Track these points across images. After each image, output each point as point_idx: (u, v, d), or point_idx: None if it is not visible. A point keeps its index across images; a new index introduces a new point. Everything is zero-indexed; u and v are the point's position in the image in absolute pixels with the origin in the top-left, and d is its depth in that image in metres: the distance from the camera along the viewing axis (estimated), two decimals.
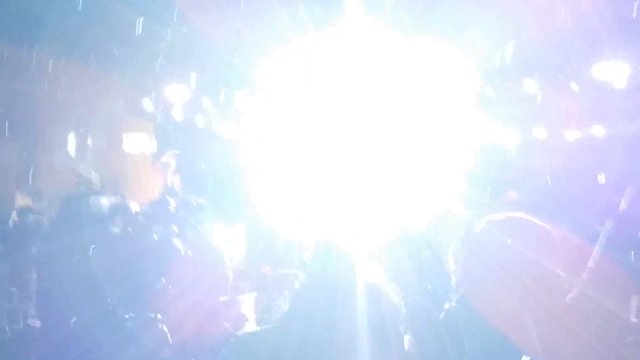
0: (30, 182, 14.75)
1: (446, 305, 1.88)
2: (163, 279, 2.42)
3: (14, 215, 13.17)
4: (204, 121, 14.47)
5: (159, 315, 2.70)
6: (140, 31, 12.30)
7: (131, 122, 13.25)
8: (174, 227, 2.45)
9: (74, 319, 2.74)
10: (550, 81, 11.90)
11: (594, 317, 1.79)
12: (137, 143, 13.48)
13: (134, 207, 2.35)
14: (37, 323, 2.76)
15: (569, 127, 13.03)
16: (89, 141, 12.73)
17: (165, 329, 2.72)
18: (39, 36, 13.27)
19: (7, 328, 2.56)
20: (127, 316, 2.55)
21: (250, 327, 3.17)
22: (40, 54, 13.28)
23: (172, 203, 2.47)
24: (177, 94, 12.47)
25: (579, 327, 1.71)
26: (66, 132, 12.82)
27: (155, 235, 2.35)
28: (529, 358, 1.58)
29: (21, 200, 12.78)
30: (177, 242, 2.39)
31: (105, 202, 2.62)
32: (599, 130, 13.01)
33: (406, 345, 1.56)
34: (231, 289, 3.27)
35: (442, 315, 1.88)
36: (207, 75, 12.16)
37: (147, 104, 12.94)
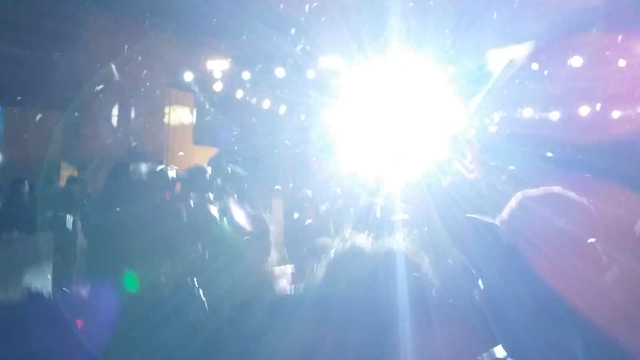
0: (75, 152, 15.11)
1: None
2: (199, 245, 2.47)
3: (60, 184, 13.56)
4: (243, 94, 14.58)
5: (195, 282, 2.76)
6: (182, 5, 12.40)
7: (173, 94, 13.40)
8: (210, 195, 2.49)
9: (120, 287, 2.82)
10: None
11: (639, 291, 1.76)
12: (178, 114, 13.66)
13: (171, 173, 2.40)
14: (84, 290, 2.82)
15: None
16: (132, 112, 12.94)
17: (202, 296, 2.77)
18: (86, 9, 13.50)
19: (53, 294, 2.64)
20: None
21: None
22: (86, 26, 13.51)
23: (208, 171, 2.51)
24: (217, 66, 12.55)
25: (624, 303, 1.67)
26: (110, 103, 13.04)
27: (191, 202, 2.39)
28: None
29: (66, 170, 13.13)
30: (212, 208, 2.43)
31: (145, 169, 2.68)
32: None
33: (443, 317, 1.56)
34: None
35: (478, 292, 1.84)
36: (247, 49, 12.19)
37: (188, 76, 13.06)
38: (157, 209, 2.37)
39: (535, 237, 1.60)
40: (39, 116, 16.38)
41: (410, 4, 9.37)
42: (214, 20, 11.86)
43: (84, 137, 13.36)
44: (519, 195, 1.90)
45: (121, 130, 12.95)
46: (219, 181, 2.51)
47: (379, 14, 9.55)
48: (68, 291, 2.85)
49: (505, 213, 1.92)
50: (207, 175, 2.46)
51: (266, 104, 15.87)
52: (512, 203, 1.90)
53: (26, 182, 8.41)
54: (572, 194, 1.88)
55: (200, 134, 16.40)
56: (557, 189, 1.91)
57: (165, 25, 12.40)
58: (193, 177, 2.42)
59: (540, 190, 1.89)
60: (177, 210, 2.36)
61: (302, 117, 18.16)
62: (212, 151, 17.20)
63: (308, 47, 11.62)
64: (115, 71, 12.73)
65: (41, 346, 2.39)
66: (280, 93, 16.20)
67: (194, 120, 15.03)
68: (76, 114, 14.56)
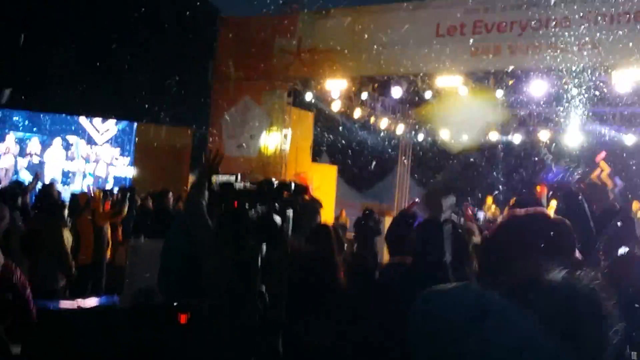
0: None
1: None
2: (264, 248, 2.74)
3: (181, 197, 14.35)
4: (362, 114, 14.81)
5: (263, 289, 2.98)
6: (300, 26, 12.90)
7: (294, 112, 13.86)
8: (276, 204, 2.74)
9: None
10: None
11: None
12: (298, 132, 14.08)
13: (238, 185, 2.67)
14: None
15: None
16: (254, 128, 13.53)
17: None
18: (213, 32, 14.36)
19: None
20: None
21: None
22: (213, 49, 14.40)
23: (275, 183, 2.74)
24: (337, 87, 12.84)
25: None
26: (232, 122, 13.73)
27: (258, 210, 2.66)
28: None
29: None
30: (276, 217, 2.68)
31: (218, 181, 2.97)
32: None
33: None
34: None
35: None
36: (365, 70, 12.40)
37: (309, 96, 13.47)
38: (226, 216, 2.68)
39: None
40: (169, 130, 17.60)
41: None
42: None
43: (210, 152, 14.14)
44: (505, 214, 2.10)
45: (244, 146, 13.58)
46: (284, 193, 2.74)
47: None
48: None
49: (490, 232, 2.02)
50: (274, 188, 2.68)
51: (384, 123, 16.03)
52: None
53: (170, 194, 9.07)
54: (554, 215, 2.03)
55: (319, 151, 16.83)
56: (540, 209, 2.05)
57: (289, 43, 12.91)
58: (260, 189, 2.67)
59: (526, 210, 2.00)
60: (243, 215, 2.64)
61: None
62: (329, 168, 17.62)
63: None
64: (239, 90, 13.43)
65: None
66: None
67: (312, 138, 15.47)
68: (203, 129, 15.50)
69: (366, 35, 12.03)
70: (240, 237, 2.73)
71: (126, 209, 9.62)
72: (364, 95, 13.41)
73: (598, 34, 10.12)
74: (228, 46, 14.04)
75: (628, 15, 10.02)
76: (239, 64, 13.73)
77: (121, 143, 17.91)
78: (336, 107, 13.96)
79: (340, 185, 20.83)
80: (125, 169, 17.84)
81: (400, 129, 17.09)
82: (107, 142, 17.71)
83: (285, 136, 13.57)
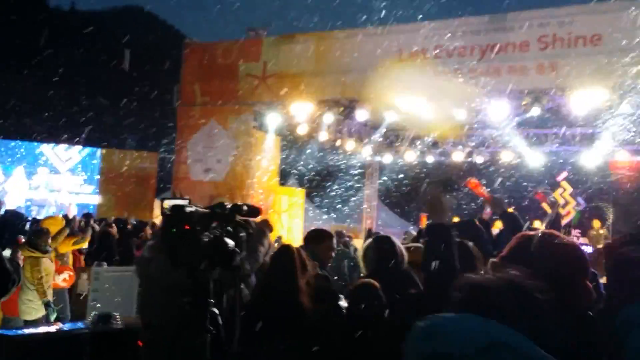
0: (169, 191, 15.87)
1: None
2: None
3: (151, 222, 14.21)
4: (328, 137, 14.88)
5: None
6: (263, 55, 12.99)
7: (259, 135, 13.87)
8: (229, 227, 2.75)
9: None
10: None
11: None
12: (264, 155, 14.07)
13: (191, 209, 2.67)
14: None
15: None
16: (220, 153, 13.47)
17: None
18: (177, 61, 14.33)
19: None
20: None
21: None
22: (178, 77, 14.37)
23: (228, 205, 2.74)
24: (302, 110, 12.90)
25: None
26: (198, 146, 13.67)
27: (211, 234, 2.68)
28: None
29: (158, 209, 13.83)
30: (228, 240, 2.70)
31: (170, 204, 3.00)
32: None
33: None
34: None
35: None
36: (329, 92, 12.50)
37: (275, 119, 13.50)
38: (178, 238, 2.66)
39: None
40: (134, 155, 17.44)
41: None
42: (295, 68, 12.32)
43: (176, 177, 14.03)
44: (519, 235, 2.11)
45: (210, 170, 13.51)
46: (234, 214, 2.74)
47: None
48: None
49: (505, 250, 2.07)
50: (227, 211, 2.68)
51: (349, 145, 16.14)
52: (512, 242, 2.08)
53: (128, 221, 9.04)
54: (563, 236, 2.07)
55: (287, 174, 16.84)
56: (551, 231, 2.09)
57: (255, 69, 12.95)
58: (213, 212, 2.67)
59: (537, 231, 2.08)
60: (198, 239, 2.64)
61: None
62: (296, 191, 17.62)
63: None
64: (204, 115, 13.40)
65: None
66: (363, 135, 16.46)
67: (279, 161, 15.48)
68: (170, 155, 15.41)
69: (330, 60, 12.16)
70: (191, 260, 2.71)
71: (89, 235, 9.50)
72: (330, 118, 13.48)
73: (556, 57, 10.42)
74: (193, 70, 14.04)
75: (584, 39, 10.33)
76: (204, 88, 13.73)
77: (85, 170, 17.67)
78: (302, 130, 14.01)
79: (309, 208, 20.84)
80: (88, 197, 17.59)
81: (366, 151, 17.23)
82: (69, 170, 17.46)
83: (252, 160, 13.55)
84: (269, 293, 3.73)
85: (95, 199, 17.36)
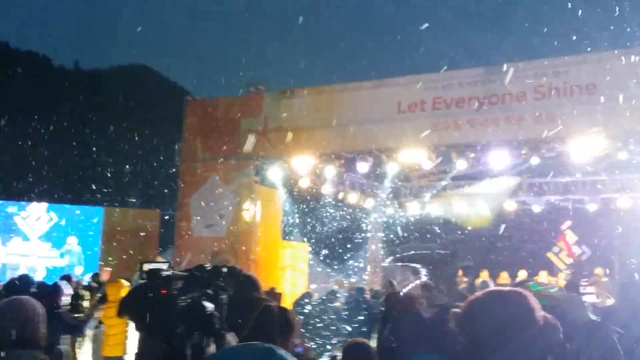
0: (171, 248, 15.77)
1: None
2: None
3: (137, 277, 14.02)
4: (330, 190, 14.88)
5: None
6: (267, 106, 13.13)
7: (262, 190, 13.86)
8: (209, 291, 2.69)
9: None
10: None
11: None
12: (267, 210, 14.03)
13: (168, 273, 2.62)
14: None
15: None
16: (223, 209, 13.45)
17: None
18: (177, 120, 14.50)
19: None
20: None
21: None
22: (180, 135, 14.51)
23: (207, 268, 2.70)
24: (304, 164, 12.94)
25: None
26: (200, 202, 13.66)
27: (188, 298, 2.63)
28: None
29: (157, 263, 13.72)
30: (207, 303, 2.64)
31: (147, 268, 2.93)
32: None
33: None
34: None
35: None
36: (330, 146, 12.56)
37: (277, 174, 13.53)
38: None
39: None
40: (135, 213, 17.41)
41: None
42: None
43: (178, 235, 13.97)
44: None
45: (213, 226, 13.46)
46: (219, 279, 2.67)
47: None
48: None
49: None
50: (206, 275, 2.62)
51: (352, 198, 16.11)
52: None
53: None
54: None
55: (289, 229, 16.76)
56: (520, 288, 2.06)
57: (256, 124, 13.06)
58: (192, 276, 2.61)
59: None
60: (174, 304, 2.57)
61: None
62: (299, 245, 17.48)
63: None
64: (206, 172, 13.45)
65: None
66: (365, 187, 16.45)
67: (282, 216, 15.42)
68: (172, 212, 15.36)
69: (330, 113, 12.27)
70: (168, 323, 2.66)
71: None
72: (332, 171, 13.49)
73: (552, 107, 10.48)
74: (195, 127, 14.16)
75: (579, 88, 10.41)
76: (206, 144, 13.82)
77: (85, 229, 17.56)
78: (304, 183, 14.02)
79: (313, 263, 20.64)
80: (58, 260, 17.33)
81: (369, 203, 17.18)
82: (39, 238, 17.30)
83: (254, 215, 13.52)
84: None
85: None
